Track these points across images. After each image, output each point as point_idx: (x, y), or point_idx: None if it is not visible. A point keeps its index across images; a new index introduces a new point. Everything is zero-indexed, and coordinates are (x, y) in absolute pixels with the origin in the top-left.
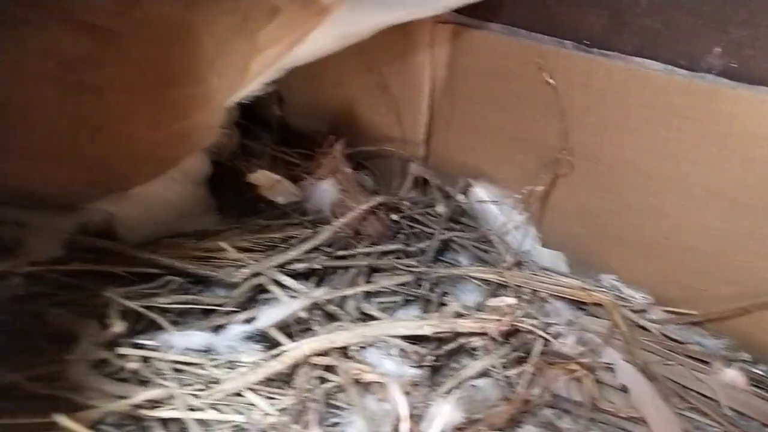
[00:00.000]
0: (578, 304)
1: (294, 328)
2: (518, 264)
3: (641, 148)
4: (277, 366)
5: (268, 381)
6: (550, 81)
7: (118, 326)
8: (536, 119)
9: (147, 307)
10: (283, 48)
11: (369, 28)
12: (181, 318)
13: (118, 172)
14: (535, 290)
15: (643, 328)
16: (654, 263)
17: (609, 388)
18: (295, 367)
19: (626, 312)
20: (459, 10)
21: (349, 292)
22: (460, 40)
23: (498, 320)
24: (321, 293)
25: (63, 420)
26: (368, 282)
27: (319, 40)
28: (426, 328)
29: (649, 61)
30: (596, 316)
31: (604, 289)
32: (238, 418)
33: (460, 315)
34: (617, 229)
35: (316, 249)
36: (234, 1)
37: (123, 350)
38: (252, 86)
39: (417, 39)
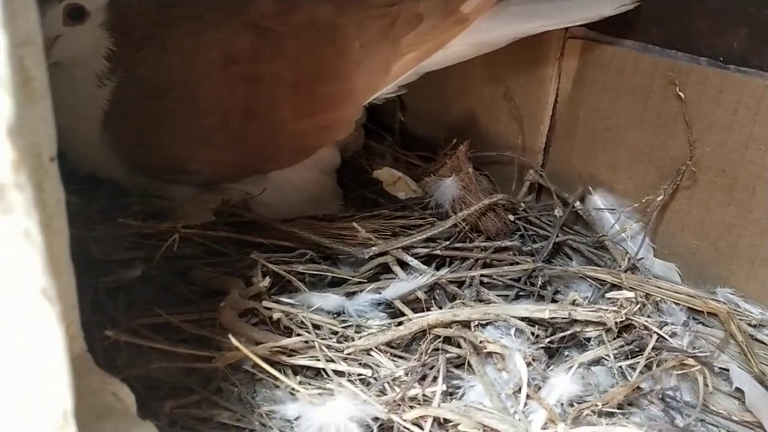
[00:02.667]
0: (693, 313)
1: (416, 305)
2: (633, 269)
3: None
4: (403, 331)
5: (392, 346)
6: (681, 95)
7: (265, 281)
8: (660, 132)
9: (287, 271)
10: (423, 53)
11: (505, 38)
12: (310, 287)
13: (261, 156)
14: (649, 294)
15: (761, 341)
16: None
17: (720, 393)
18: (418, 336)
19: (742, 324)
20: (590, 26)
21: (471, 274)
22: (590, 54)
23: (615, 311)
24: (444, 273)
25: (234, 341)
26: (484, 273)
27: (456, 47)
28: (546, 312)
29: None
30: (710, 326)
31: (722, 300)
32: (367, 372)
33: (578, 305)
34: (737, 243)
35: (435, 240)
36: (382, 8)
37: (267, 303)
38: (389, 87)
39: (546, 53)
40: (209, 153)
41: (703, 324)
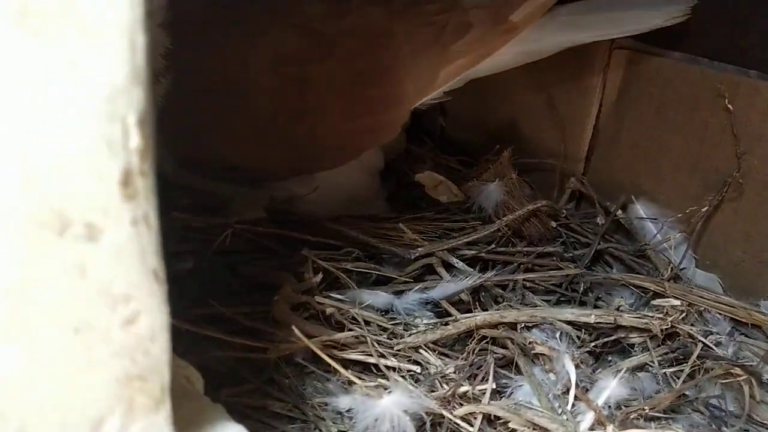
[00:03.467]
0: (736, 323)
1: (461, 306)
2: (675, 278)
3: None
4: (452, 330)
5: (439, 345)
6: (729, 107)
7: (317, 277)
8: (706, 144)
9: (336, 268)
10: (470, 61)
11: (553, 48)
12: (357, 285)
13: (309, 156)
14: (692, 303)
15: None
16: None
17: (765, 404)
18: (464, 336)
19: None
20: (637, 37)
21: (516, 277)
22: (636, 65)
23: (661, 318)
24: (490, 275)
25: (297, 332)
26: (528, 277)
27: (504, 56)
28: (592, 317)
29: None
30: (753, 338)
31: (766, 312)
32: (417, 368)
33: (623, 311)
34: None
35: (475, 243)
36: (433, 15)
37: (319, 299)
38: (437, 92)
39: (591, 62)
40: (258, 152)
41: (747, 335)
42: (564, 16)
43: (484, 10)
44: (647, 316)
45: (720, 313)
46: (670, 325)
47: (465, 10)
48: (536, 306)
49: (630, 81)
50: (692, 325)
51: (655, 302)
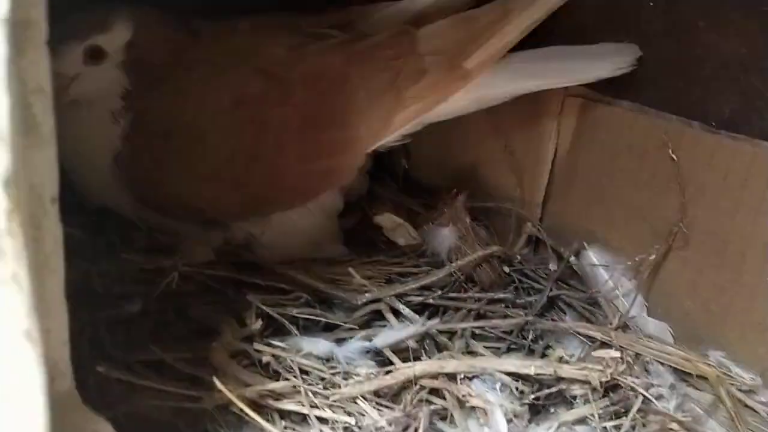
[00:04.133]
0: (682, 375)
1: (405, 354)
2: (624, 327)
3: (760, 226)
4: (390, 381)
5: (378, 395)
6: (674, 157)
7: (257, 324)
8: (654, 193)
9: (280, 314)
10: (425, 106)
11: (506, 95)
12: (303, 330)
13: (264, 198)
14: (638, 353)
15: (751, 408)
16: (765, 344)
17: None
18: (405, 386)
19: (732, 389)
20: (589, 85)
21: (462, 326)
22: (588, 113)
23: (601, 370)
24: (435, 323)
25: (218, 384)
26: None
27: (459, 101)
28: (532, 368)
29: None
30: (700, 389)
31: (712, 363)
32: (351, 420)
33: (565, 362)
34: (729, 306)
35: (429, 288)
36: (388, 60)
37: (258, 346)
38: (392, 137)
39: (546, 109)
40: (213, 192)
41: (695, 387)
42: (516, 63)
43: (439, 57)
44: (587, 367)
45: (665, 364)
46: (610, 377)
47: (420, 56)
48: (479, 355)
49: (583, 128)
50: (636, 377)
51: (595, 353)
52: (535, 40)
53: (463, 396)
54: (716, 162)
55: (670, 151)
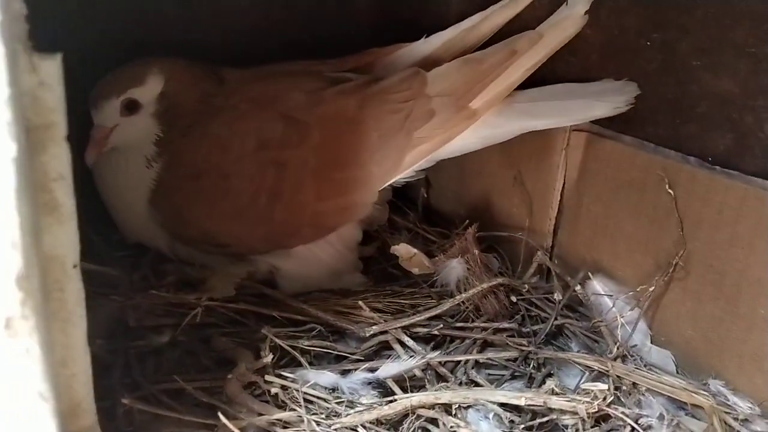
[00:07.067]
0: (679, 403)
1: (408, 383)
2: (623, 356)
3: (754, 260)
4: (388, 411)
5: (379, 423)
6: (670, 192)
7: (268, 357)
8: (655, 225)
9: (292, 347)
10: (434, 145)
11: (511, 133)
12: (315, 360)
13: (286, 232)
14: (635, 383)
15: None
16: (762, 374)
17: None
18: (404, 415)
19: (728, 418)
20: (594, 121)
21: (460, 358)
22: (593, 147)
23: (589, 402)
24: (435, 355)
25: (223, 419)
26: (480, 353)
27: (466, 140)
28: (523, 399)
29: None
30: (696, 418)
31: (707, 393)
32: None
33: (555, 393)
34: (726, 336)
35: (438, 317)
36: (399, 102)
37: (269, 377)
38: (404, 174)
39: (554, 142)
40: (238, 229)
41: (693, 416)
42: (520, 103)
43: (446, 98)
44: (575, 399)
45: (661, 394)
46: (597, 409)
47: (429, 97)
48: (477, 385)
49: (588, 162)
50: (628, 407)
51: (585, 385)
52: (540, 77)
53: (451, 427)
54: (711, 197)
55: (666, 186)
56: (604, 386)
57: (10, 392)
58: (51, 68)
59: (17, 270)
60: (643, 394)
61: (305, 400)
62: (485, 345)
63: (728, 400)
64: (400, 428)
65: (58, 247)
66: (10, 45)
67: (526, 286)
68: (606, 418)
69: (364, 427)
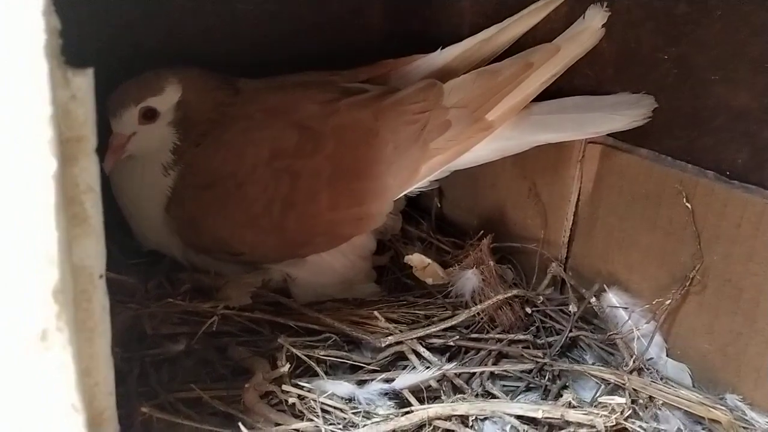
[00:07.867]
0: (696, 418)
1: (424, 394)
2: (639, 370)
3: None
4: (405, 422)
5: None
6: (688, 205)
7: (285, 367)
8: (671, 238)
9: (308, 356)
10: (449, 156)
11: (526, 145)
12: (331, 369)
13: (300, 241)
14: (651, 396)
15: None
16: None
17: None
18: (420, 426)
19: None
20: (610, 133)
21: (475, 369)
22: (608, 159)
23: (606, 416)
24: (451, 367)
25: (244, 430)
26: (495, 365)
27: (480, 151)
28: (540, 412)
29: None
30: None
31: (725, 408)
32: None
33: (572, 406)
34: (743, 351)
35: (453, 328)
36: (415, 114)
37: (286, 387)
38: (419, 184)
39: (569, 155)
40: (252, 237)
41: (710, 431)
42: (536, 115)
43: (463, 110)
44: (593, 413)
45: (678, 408)
46: (615, 422)
47: (445, 109)
48: (493, 397)
49: (603, 174)
50: (645, 421)
51: (601, 399)
52: (556, 89)
53: None
54: (729, 211)
55: (684, 200)
56: (622, 399)
57: (43, 404)
58: (83, 82)
59: (54, 283)
60: (660, 408)
61: (322, 410)
62: (500, 356)
63: (746, 415)
64: None
65: (86, 258)
66: (50, 62)
67: (541, 297)
68: (623, 431)
69: None
